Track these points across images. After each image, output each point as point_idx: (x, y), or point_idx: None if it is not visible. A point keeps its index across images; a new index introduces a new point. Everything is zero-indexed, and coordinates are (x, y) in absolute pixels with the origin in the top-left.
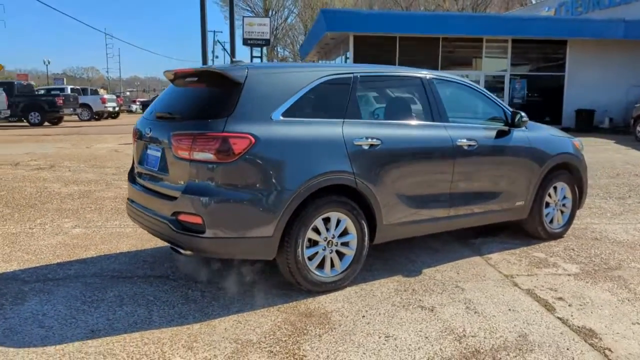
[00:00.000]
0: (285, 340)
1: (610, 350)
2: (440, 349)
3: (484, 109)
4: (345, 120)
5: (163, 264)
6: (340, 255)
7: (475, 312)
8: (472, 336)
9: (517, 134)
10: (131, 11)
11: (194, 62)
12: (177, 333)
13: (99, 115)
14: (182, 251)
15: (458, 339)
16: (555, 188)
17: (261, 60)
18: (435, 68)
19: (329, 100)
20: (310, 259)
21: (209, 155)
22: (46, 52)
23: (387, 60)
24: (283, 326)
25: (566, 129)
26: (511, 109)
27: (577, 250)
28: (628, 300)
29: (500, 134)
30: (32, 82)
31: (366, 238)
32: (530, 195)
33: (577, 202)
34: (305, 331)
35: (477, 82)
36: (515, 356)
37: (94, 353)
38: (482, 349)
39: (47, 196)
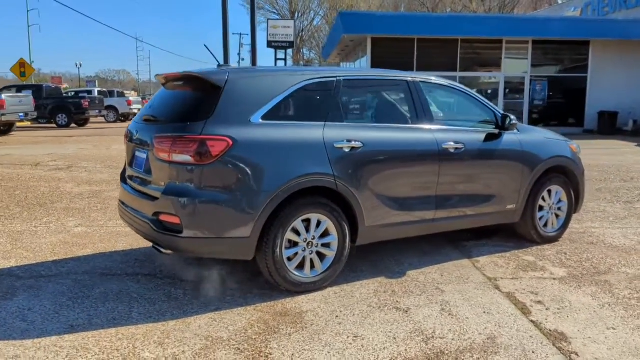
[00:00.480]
0: (255, 339)
1: (576, 354)
2: (405, 350)
3: (474, 112)
4: (327, 123)
5: (154, 262)
6: (322, 256)
7: (450, 314)
8: (441, 338)
9: (508, 137)
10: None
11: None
12: (152, 329)
13: (124, 117)
14: (163, 250)
15: (425, 340)
16: (549, 191)
17: (285, 64)
18: (453, 70)
19: (310, 104)
20: (289, 259)
21: (188, 158)
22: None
23: (405, 62)
24: (256, 325)
25: (589, 132)
26: (502, 112)
27: (569, 255)
28: (609, 305)
29: (490, 137)
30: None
31: (347, 239)
32: (522, 199)
33: (574, 206)
34: (276, 330)
35: (497, 84)
36: (479, 358)
37: (68, 347)
38: (447, 350)
39: (59, 196)
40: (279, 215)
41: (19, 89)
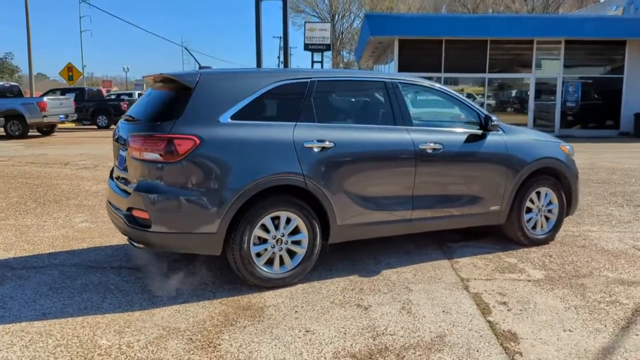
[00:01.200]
0: (210, 330)
1: (520, 354)
2: (351, 345)
3: (457, 113)
4: (298, 123)
5: (143, 257)
6: (292, 253)
7: (408, 313)
8: (391, 334)
9: (492, 138)
10: (206, 16)
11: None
12: (116, 319)
13: None
14: (136, 245)
15: (374, 337)
16: (538, 193)
17: (321, 66)
18: (482, 71)
19: (282, 104)
20: (258, 255)
21: (156, 156)
22: (128, 60)
23: (432, 63)
24: (216, 317)
25: (625, 134)
26: (485, 113)
27: (554, 257)
28: (575, 307)
29: (473, 138)
30: (115, 88)
31: (318, 237)
32: (507, 200)
33: (566, 208)
34: (234, 323)
35: (527, 85)
36: (420, 355)
37: (33, 333)
38: (392, 346)
39: (76, 193)
40: (246, 212)
41: (63, 92)
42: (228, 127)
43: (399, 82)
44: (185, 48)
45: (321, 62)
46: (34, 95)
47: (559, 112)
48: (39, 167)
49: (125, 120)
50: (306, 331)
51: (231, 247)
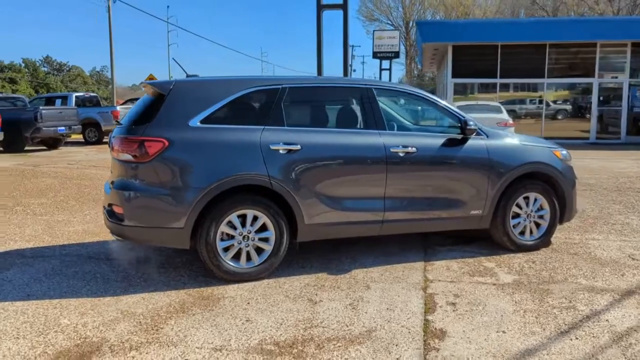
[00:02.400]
0: (161, 316)
1: (437, 350)
2: (280, 334)
3: (437, 118)
4: (266, 127)
5: (141, 251)
6: (260, 249)
7: (353, 308)
8: (323, 327)
9: (473, 142)
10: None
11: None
12: (85, 302)
13: None
14: (115, 237)
15: (306, 328)
16: (527, 198)
17: (389, 73)
18: (541, 77)
19: (251, 109)
20: (226, 250)
21: (130, 156)
22: (211, 71)
23: (487, 69)
24: (174, 305)
25: None
26: (465, 117)
27: (536, 263)
28: (525, 311)
29: (452, 142)
30: None
31: (285, 235)
32: (489, 205)
33: (559, 214)
34: (186, 310)
35: (590, 90)
36: (340, 346)
37: (11, 310)
38: (317, 337)
39: None
40: (212, 209)
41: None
42: (197, 131)
43: (374, 88)
44: (174, 59)
45: (389, 69)
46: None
47: (625, 118)
48: (98, 170)
49: (117, 125)
50: (246, 320)
51: (199, 242)
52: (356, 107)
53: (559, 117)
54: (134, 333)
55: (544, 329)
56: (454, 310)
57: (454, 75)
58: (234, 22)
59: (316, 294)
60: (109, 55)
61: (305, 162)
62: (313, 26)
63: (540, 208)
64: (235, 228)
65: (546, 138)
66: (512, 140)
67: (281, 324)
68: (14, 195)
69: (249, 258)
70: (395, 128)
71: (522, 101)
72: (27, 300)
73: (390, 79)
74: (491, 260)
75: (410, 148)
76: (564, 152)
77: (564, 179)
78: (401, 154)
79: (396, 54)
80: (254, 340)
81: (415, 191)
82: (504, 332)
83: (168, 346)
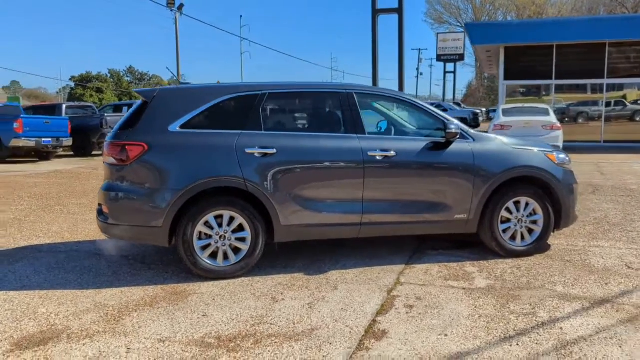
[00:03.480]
0: (129, 308)
1: (368, 349)
2: (226, 329)
3: (422, 122)
4: (244, 132)
5: (142, 248)
6: (237, 249)
7: (310, 308)
8: (271, 324)
9: (458, 146)
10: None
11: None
12: (68, 294)
13: None
14: (104, 235)
15: (255, 324)
16: (517, 203)
17: (454, 76)
18: (600, 77)
19: (230, 115)
20: (204, 248)
21: (114, 160)
22: (281, 77)
23: (542, 70)
24: (145, 299)
25: None
26: (447, 121)
27: (521, 269)
28: (480, 316)
29: (434, 145)
30: None
31: (261, 236)
32: (475, 209)
33: (553, 220)
34: (153, 304)
35: None
36: (276, 342)
37: (2, 299)
38: (260, 333)
39: None
40: (189, 210)
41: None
42: (175, 135)
43: (354, 93)
44: (167, 68)
45: (454, 72)
46: None
47: None
48: None
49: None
50: (203, 315)
51: (177, 240)
52: (336, 112)
53: (637, 118)
54: (96, 323)
55: (488, 334)
56: (407, 313)
57: (507, 78)
58: (302, 24)
59: (282, 293)
60: (183, 64)
61: (280, 165)
62: (388, 30)
63: (533, 213)
64: (212, 228)
65: (606, 142)
66: (501, 143)
67: (233, 320)
68: (60, 196)
69: (226, 257)
70: (378, 132)
71: (585, 103)
72: (20, 291)
73: (455, 82)
74: (476, 265)
75: (389, 152)
76: (562, 155)
77: (559, 183)
78: (379, 158)
79: (461, 57)
80: (199, 334)
81: (395, 195)
82: (445, 335)
83: (119, 336)
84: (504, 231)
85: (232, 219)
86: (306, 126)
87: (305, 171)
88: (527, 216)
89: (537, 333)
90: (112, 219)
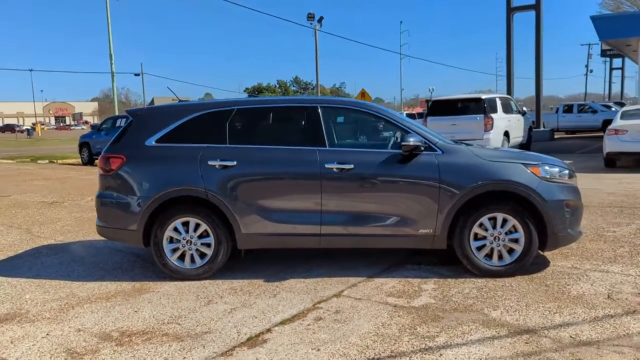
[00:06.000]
0: (88, 299)
1: (228, 356)
2: (132, 324)
3: (386, 134)
4: (209, 145)
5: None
6: (203, 254)
7: (230, 313)
8: (177, 324)
9: (422, 159)
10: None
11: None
12: (61, 284)
13: None
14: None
15: (164, 323)
16: (493, 219)
17: (622, 72)
18: None
19: (200, 130)
20: (174, 251)
21: (102, 170)
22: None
23: None
24: (112, 292)
25: None
26: (410, 133)
27: (482, 291)
28: (376, 334)
29: (396, 158)
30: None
31: (224, 242)
32: (441, 224)
33: (536, 239)
34: (110, 298)
35: None
36: (163, 341)
37: (7, 285)
38: (157, 330)
39: None
40: (159, 216)
41: None
42: (150, 149)
43: (320, 106)
44: (168, 87)
45: (622, 68)
46: None
47: None
48: None
49: None
50: (134, 311)
51: (151, 243)
52: (298, 125)
53: None
54: (51, 310)
55: (362, 354)
56: (308, 325)
57: None
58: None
59: (222, 297)
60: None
61: (240, 177)
62: (567, 29)
63: (513, 230)
64: (180, 233)
65: None
66: (472, 155)
67: (152, 318)
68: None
69: (193, 260)
70: (341, 145)
71: None
72: (29, 279)
73: (622, 79)
74: (438, 282)
75: (346, 165)
76: (554, 169)
77: (541, 199)
78: (336, 170)
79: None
80: (112, 327)
81: (353, 207)
82: (318, 350)
83: (53, 323)
84: (479, 249)
85: (197, 225)
86: (269, 140)
87: (264, 182)
88: (506, 234)
89: (409, 357)
90: (100, 222)
